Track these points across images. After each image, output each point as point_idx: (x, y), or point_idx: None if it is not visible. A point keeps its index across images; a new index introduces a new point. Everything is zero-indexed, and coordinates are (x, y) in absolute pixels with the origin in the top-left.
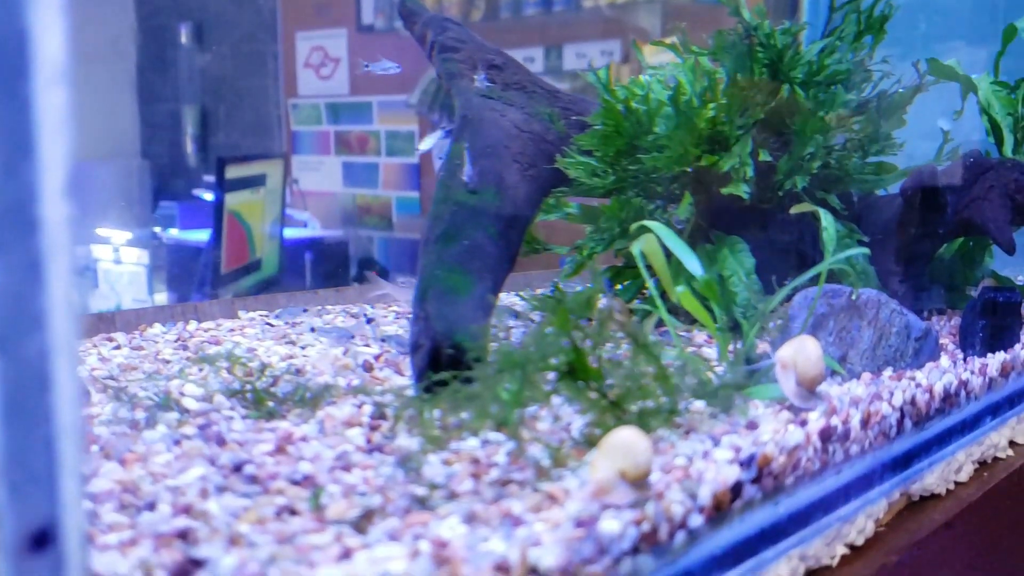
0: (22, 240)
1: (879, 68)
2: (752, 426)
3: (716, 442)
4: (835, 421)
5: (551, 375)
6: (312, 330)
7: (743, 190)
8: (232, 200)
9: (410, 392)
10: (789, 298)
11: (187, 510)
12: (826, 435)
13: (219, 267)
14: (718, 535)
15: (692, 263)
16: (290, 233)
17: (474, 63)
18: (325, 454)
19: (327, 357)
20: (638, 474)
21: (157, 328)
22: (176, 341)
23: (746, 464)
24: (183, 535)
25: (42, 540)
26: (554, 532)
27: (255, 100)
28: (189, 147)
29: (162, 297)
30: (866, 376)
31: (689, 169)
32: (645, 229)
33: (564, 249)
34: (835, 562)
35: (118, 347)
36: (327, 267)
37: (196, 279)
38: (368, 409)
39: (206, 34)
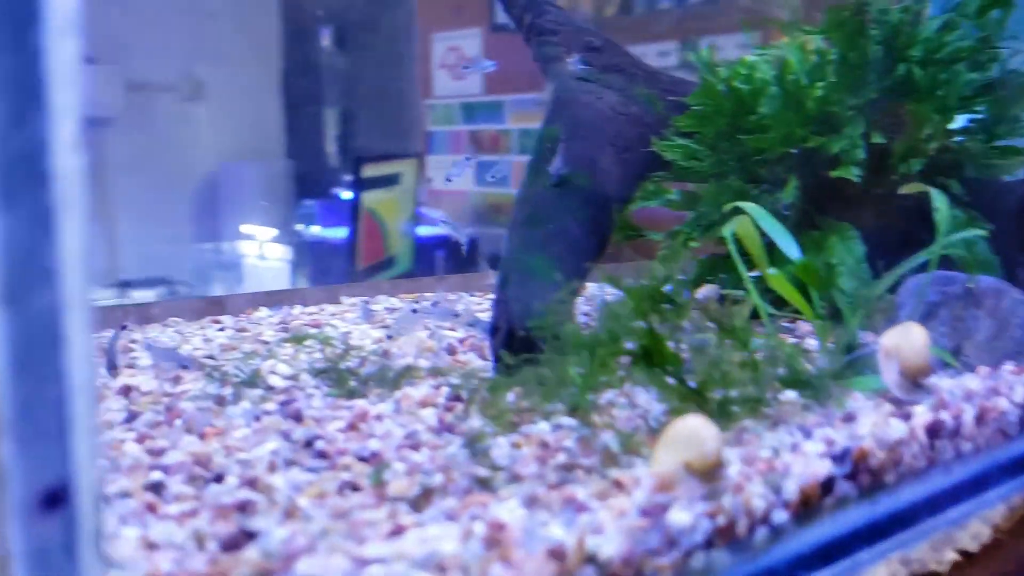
0: (32, 192)
1: (1008, 46)
2: (849, 418)
3: (807, 434)
4: (944, 416)
5: (627, 360)
6: (413, 311)
7: (853, 173)
8: (368, 198)
9: (488, 375)
10: (898, 285)
11: (252, 483)
12: (934, 430)
13: (355, 263)
14: (806, 533)
15: (789, 245)
16: (423, 231)
17: (571, 46)
18: (395, 432)
19: (413, 340)
20: (706, 465)
21: (263, 312)
22: (279, 324)
23: (839, 458)
24: (243, 507)
25: (54, 500)
26: (618, 521)
27: (394, 101)
28: (330, 148)
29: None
30: (983, 370)
31: (794, 151)
32: (739, 211)
33: (661, 236)
34: (944, 568)
35: (223, 329)
36: (458, 264)
37: (333, 275)
38: (445, 390)
39: (348, 37)
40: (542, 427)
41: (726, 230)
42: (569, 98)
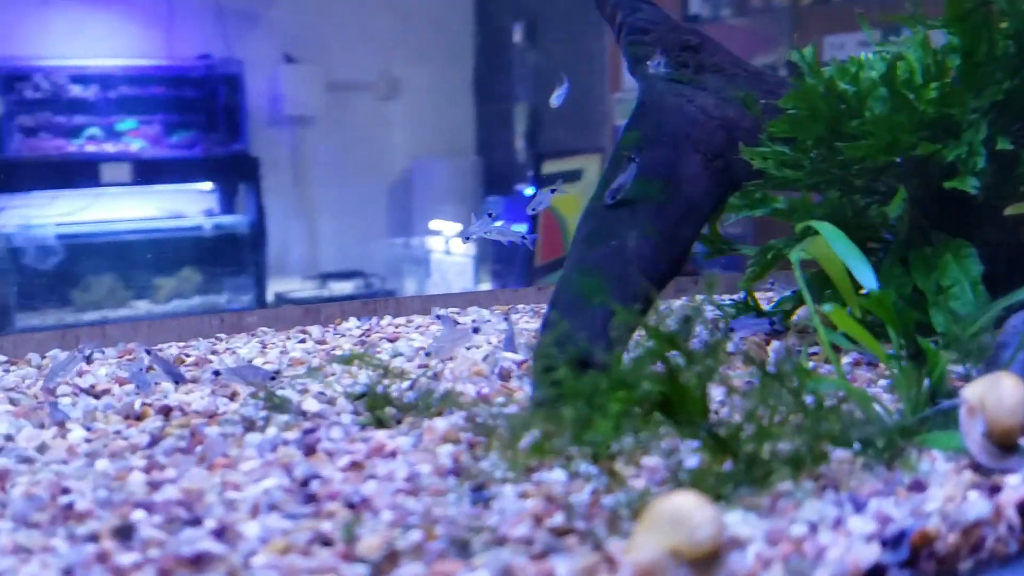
0: None
1: None
2: (917, 487)
3: (858, 506)
4: None
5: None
6: (475, 331)
7: (970, 184)
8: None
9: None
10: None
11: (223, 532)
12: None
13: (533, 260)
14: None
15: (864, 273)
16: None
17: (664, 45)
18: (399, 473)
19: (466, 362)
20: (697, 553)
21: (352, 322)
22: (361, 335)
23: (893, 542)
24: (196, 561)
25: None
26: None
27: (583, 96)
28: (518, 144)
29: (486, 287)
30: None
31: (899, 160)
32: (811, 230)
33: (753, 250)
34: None
35: (303, 340)
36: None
37: (513, 272)
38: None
39: (538, 32)
40: (557, 475)
41: (794, 253)
42: (654, 101)
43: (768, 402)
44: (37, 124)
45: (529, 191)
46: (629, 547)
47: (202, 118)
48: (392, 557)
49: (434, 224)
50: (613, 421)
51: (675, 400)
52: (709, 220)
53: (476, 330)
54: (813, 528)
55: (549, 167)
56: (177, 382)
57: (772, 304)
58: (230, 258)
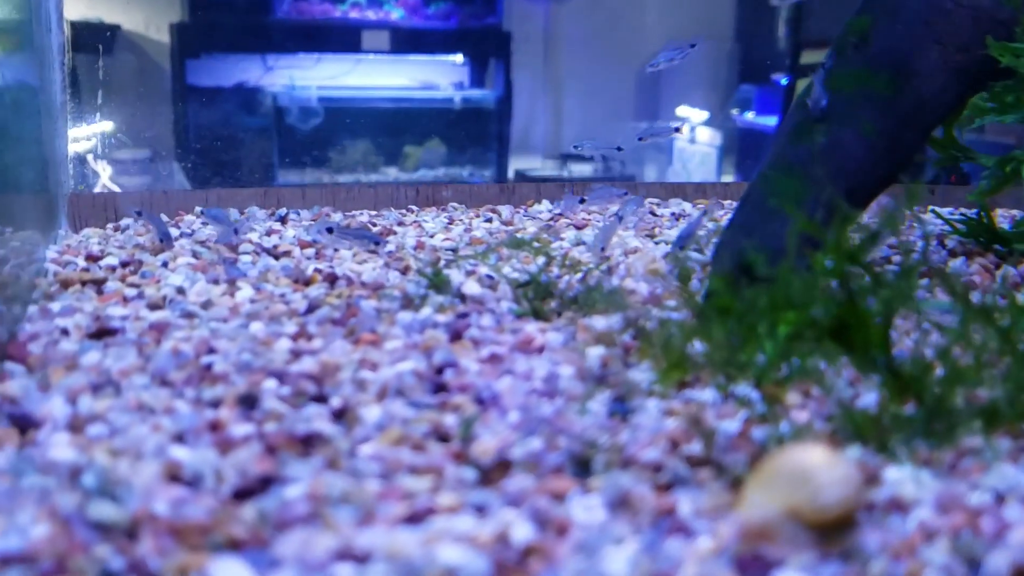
0: None
1: None
2: None
3: None
4: None
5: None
6: (676, 218)
7: None
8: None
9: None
10: None
11: (342, 413)
12: None
13: None
14: None
15: None
16: None
17: None
18: (538, 372)
19: (644, 259)
20: (821, 518)
21: (544, 205)
22: (549, 219)
23: None
24: (307, 441)
25: None
26: (697, 567)
27: None
28: (780, 30)
29: (729, 179)
30: None
31: None
32: None
33: (991, 160)
34: None
35: (490, 220)
36: None
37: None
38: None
39: None
40: (709, 395)
41: None
42: None
43: (968, 340)
44: None
45: (784, 82)
46: (739, 501)
47: None
48: (504, 465)
49: (681, 111)
50: (776, 344)
51: (852, 327)
52: (944, 123)
53: (619, 217)
54: (999, 499)
55: (809, 57)
56: (162, 240)
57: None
58: (476, 132)
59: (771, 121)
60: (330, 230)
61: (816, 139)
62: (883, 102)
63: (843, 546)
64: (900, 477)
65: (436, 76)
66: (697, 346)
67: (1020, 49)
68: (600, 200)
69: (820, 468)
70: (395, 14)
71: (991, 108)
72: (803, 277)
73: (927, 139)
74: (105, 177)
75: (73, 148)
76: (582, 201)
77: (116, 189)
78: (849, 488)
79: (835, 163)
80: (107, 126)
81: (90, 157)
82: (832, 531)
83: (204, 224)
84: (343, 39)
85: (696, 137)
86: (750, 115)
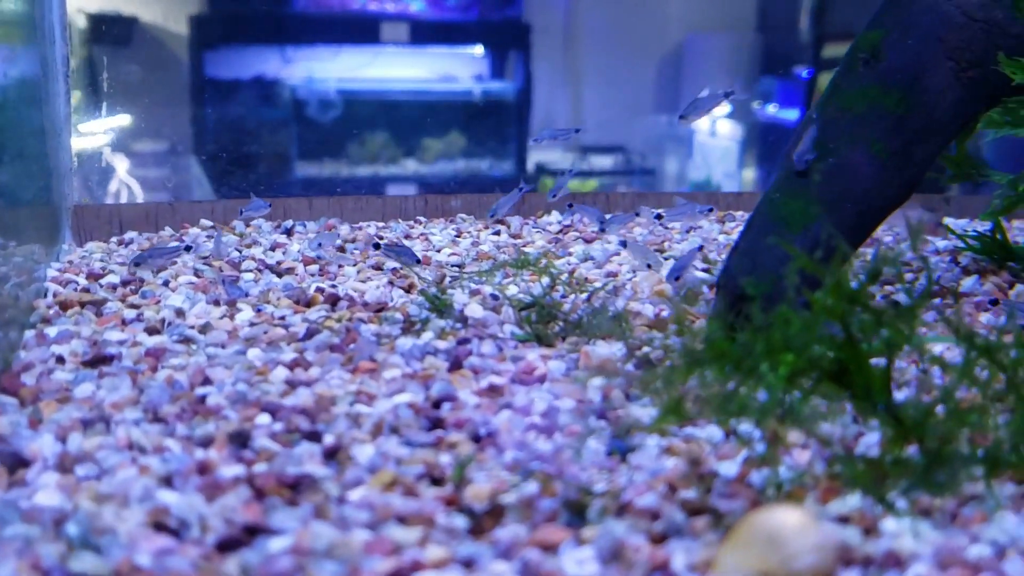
0: None
1: None
2: None
3: None
4: None
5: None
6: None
7: None
8: (826, 80)
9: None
10: None
11: (334, 452)
12: None
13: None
14: None
15: None
16: None
17: None
18: (538, 405)
19: (651, 279)
20: None
21: (554, 216)
22: (558, 232)
23: None
24: (295, 485)
25: None
26: None
27: None
28: (803, 22)
29: (749, 174)
30: None
31: None
32: None
33: (1006, 177)
34: None
35: (498, 233)
36: None
37: (776, 160)
38: (642, 351)
39: None
40: (711, 432)
41: None
42: None
43: (972, 379)
44: None
45: (805, 75)
46: (714, 562)
47: None
48: (497, 512)
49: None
50: (775, 386)
51: (852, 370)
52: (956, 139)
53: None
54: (999, 552)
55: (831, 50)
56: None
57: None
58: (495, 125)
59: (793, 114)
60: (376, 246)
61: (814, 179)
62: (894, 119)
63: None
64: (898, 529)
65: (456, 68)
66: (697, 382)
67: None
68: (681, 216)
69: (795, 533)
70: (414, 6)
71: (1007, 122)
72: (802, 318)
73: (939, 156)
74: (121, 171)
75: (83, 144)
76: (659, 217)
77: (134, 184)
78: (823, 556)
79: (844, 183)
80: (121, 121)
81: (106, 151)
82: None
83: (209, 238)
84: (362, 31)
85: (716, 131)
86: (772, 108)
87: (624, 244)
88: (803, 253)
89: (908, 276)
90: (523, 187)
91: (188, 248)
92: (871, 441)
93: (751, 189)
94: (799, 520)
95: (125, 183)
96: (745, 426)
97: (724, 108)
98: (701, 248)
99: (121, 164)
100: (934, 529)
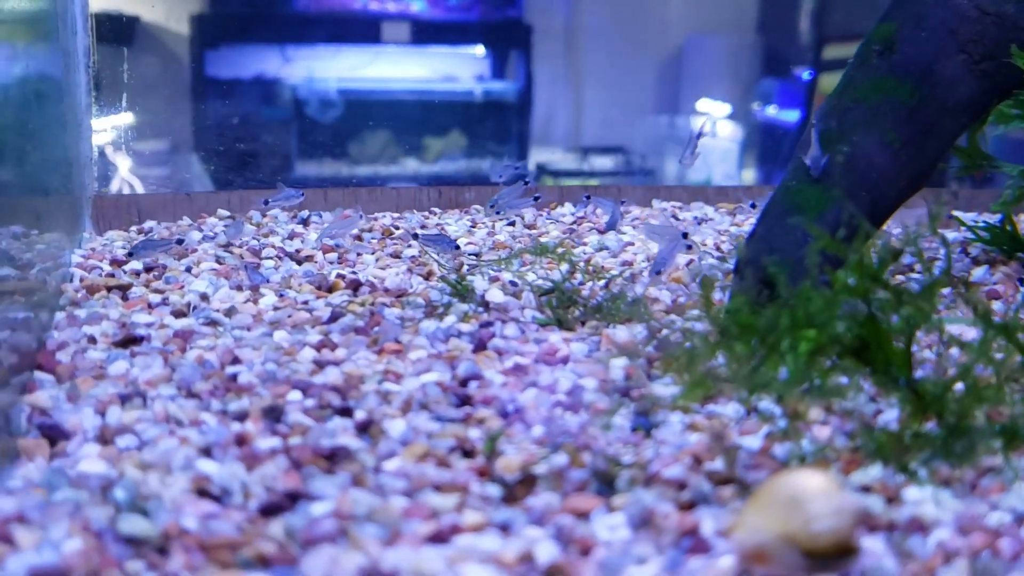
0: None
1: None
2: None
3: None
4: None
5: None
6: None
7: None
8: (828, 82)
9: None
10: None
11: (368, 426)
12: None
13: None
14: None
15: None
16: None
17: None
18: (562, 383)
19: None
20: (813, 546)
21: (567, 208)
22: (572, 223)
23: None
24: (331, 456)
25: None
26: None
27: None
28: (803, 23)
29: (749, 175)
30: None
31: None
32: None
33: (1016, 169)
34: None
35: (513, 223)
36: None
37: (780, 161)
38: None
39: None
40: (733, 409)
41: None
42: None
43: (989, 357)
44: None
45: (806, 76)
46: (737, 523)
47: None
48: (528, 481)
49: (702, 104)
50: (797, 361)
51: (873, 346)
52: (968, 130)
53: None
54: (1019, 520)
55: (832, 51)
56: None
57: None
58: (496, 124)
59: (794, 116)
60: (415, 236)
61: (840, 150)
62: (907, 110)
63: (841, 568)
64: (921, 497)
65: (457, 68)
66: (720, 361)
67: None
68: (514, 202)
69: (815, 497)
70: (415, 5)
71: (1016, 115)
72: (824, 295)
73: (951, 147)
74: (124, 170)
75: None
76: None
77: (136, 182)
78: (843, 519)
79: (858, 173)
80: (127, 118)
81: (109, 150)
82: (830, 558)
83: (227, 227)
84: (363, 30)
85: (717, 131)
86: (772, 109)
87: (588, 198)
88: (822, 233)
89: (920, 265)
90: (529, 181)
91: (180, 241)
92: (890, 418)
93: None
94: (821, 483)
95: (127, 180)
96: (766, 403)
97: (725, 108)
98: (686, 236)
99: (123, 161)
100: (954, 498)
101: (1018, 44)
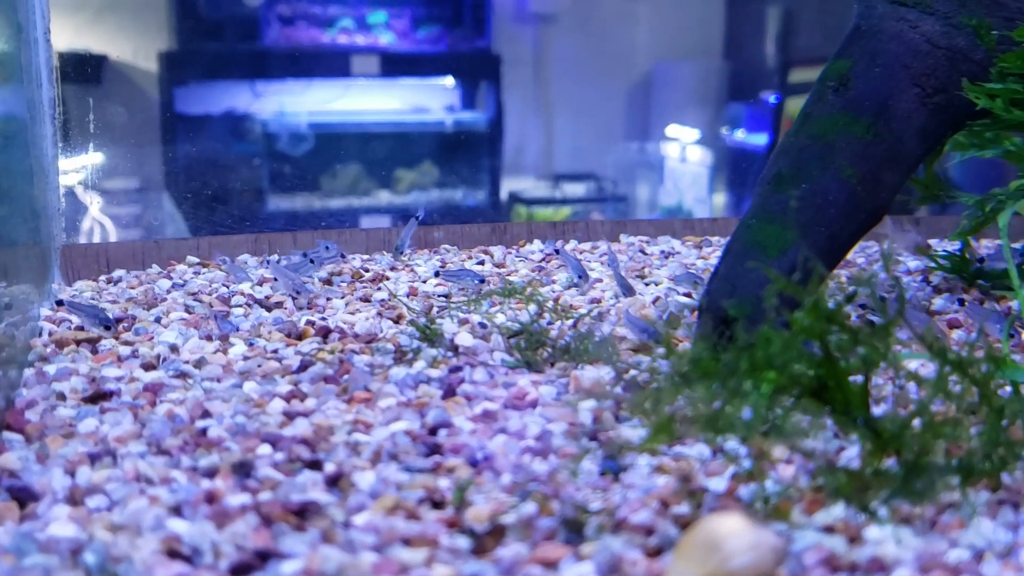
0: None
1: None
2: None
3: None
4: None
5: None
6: (666, 256)
7: None
8: (794, 105)
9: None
10: None
11: (338, 479)
12: None
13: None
14: None
15: None
16: None
17: None
18: (530, 429)
19: (635, 304)
20: None
21: (536, 245)
22: (541, 260)
23: None
24: (301, 512)
25: None
26: None
27: None
28: (769, 48)
29: (720, 199)
30: None
31: None
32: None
33: (972, 199)
34: None
35: (482, 263)
36: None
37: (748, 186)
38: (630, 374)
39: None
40: (699, 450)
41: (1003, 218)
42: (871, 27)
43: (946, 394)
44: (294, 14)
45: (772, 100)
46: (664, 573)
47: (448, 12)
48: (498, 532)
49: (671, 130)
50: (759, 402)
51: (832, 386)
52: (924, 162)
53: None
54: (977, 555)
55: (798, 75)
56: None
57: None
58: (468, 154)
59: (762, 140)
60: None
61: (792, 192)
62: (862, 145)
63: None
64: (881, 536)
65: (427, 99)
66: (684, 403)
67: (994, 90)
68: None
69: (729, 536)
70: (384, 38)
71: (972, 144)
72: (782, 337)
73: (908, 179)
74: (95, 209)
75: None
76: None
77: (106, 221)
78: (760, 554)
79: (816, 208)
80: (93, 159)
81: (79, 189)
82: None
83: (196, 274)
84: (332, 64)
85: (687, 156)
86: (740, 133)
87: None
88: (782, 276)
89: (881, 295)
90: (419, 215)
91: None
92: (851, 455)
93: (723, 214)
94: (734, 524)
95: (98, 221)
96: (731, 443)
97: (693, 133)
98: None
99: (94, 202)
100: (915, 536)
101: (969, 76)
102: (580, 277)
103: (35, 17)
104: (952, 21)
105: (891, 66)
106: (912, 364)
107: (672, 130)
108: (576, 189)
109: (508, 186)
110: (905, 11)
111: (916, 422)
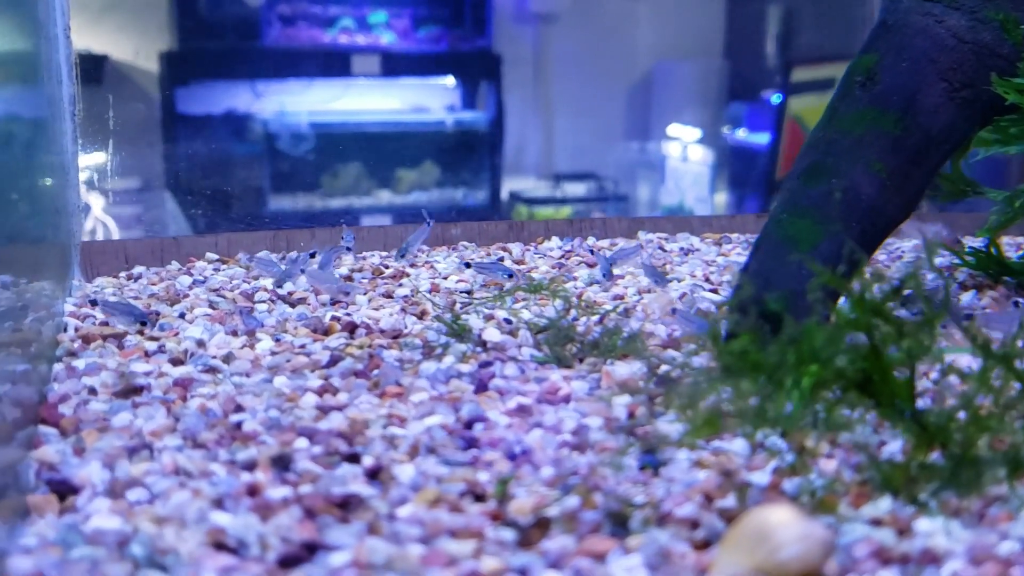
0: None
1: None
2: None
3: None
4: None
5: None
6: (685, 253)
7: None
8: (796, 104)
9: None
10: None
11: (378, 472)
12: None
13: (773, 174)
14: None
15: None
16: None
17: None
18: (567, 423)
19: (660, 300)
20: (786, 573)
21: (554, 242)
22: (561, 257)
23: None
24: (344, 504)
25: None
26: None
27: None
28: (769, 47)
29: (721, 199)
30: None
31: None
32: None
33: (1001, 195)
34: None
35: (501, 259)
36: None
37: (751, 184)
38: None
39: None
40: (739, 444)
41: None
42: (897, 21)
43: (989, 386)
44: (295, 13)
45: (775, 99)
46: (712, 564)
47: (449, 12)
48: (542, 524)
49: (672, 129)
50: (801, 396)
51: (876, 379)
52: (951, 157)
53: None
54: None
55: (800, 74)
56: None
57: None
58: (469, 154)
59: (764, 139)
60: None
61: (822, 187)
62: (891, 140)
63: None
64: (931, 528)
65: (428, 99)
66: (723, 397)
67: (1018, 85)
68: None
69: (779, 527)
70: (385, 38)
71: (995, 140)
72: (827, 330)
73: (935, 175)
74: (97, 209)
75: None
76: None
77: (109, 221)
78: (809, 545)
79: (847, 203)
80: (95, 158)
81: (81, 189)
82: None
83: (216, 271)
84: (333, 64)
85: (688, 156)
86: (741, 132)
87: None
88: (823, 269)
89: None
90: (430, 221)
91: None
92: (893, 449)
93: (724, 214)
94: (783, 515)
95: (101, 220)
96: (771, 438)
97: (695, 132)
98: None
99: (96, 202)
100: (964, 528)
101: (996, 71)
102: (605, 276)
103: (55, 13)
104: (978, 16)
105: (918, 61)
106: (950, 358)
107: (673, 129)
108: (577, 189)
109: (509, 186)
110: (931, 6)
111: (960, 415)
